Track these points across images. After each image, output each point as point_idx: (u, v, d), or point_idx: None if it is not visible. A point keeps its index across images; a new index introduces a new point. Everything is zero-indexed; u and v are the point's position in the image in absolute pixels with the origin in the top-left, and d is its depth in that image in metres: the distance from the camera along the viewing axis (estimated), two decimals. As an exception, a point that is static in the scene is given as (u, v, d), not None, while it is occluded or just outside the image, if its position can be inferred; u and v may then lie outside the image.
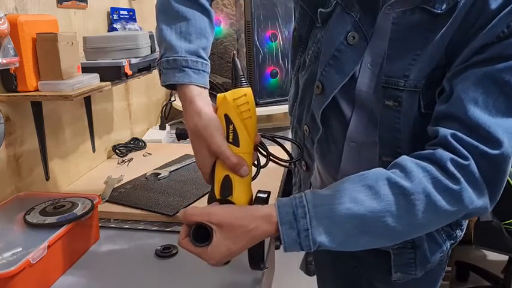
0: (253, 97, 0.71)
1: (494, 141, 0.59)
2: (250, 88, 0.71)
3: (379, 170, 0.62)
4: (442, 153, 0.60)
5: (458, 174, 0.59)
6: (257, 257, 0.70)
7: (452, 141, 0.60)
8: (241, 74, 0.70)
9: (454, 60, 0.64)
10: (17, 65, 0.94)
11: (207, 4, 0.77)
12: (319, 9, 0.77)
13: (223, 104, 0.70)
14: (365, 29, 0.72)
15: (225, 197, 0.69)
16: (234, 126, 0.69)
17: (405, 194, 0.59)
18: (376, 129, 0.74)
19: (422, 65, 0.66)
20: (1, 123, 0.99)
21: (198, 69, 0.73)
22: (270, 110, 1.74)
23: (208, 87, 0.75)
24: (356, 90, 0.75)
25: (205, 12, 0.77)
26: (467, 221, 0.90)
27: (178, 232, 0.98)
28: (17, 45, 0.95)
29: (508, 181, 1.78)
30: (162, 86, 0.74)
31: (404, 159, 0.62)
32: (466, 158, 0.59)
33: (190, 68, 0.72)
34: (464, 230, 0.89)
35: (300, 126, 0.91)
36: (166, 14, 0.75)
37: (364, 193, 0.60)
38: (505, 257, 2.10)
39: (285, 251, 0.63)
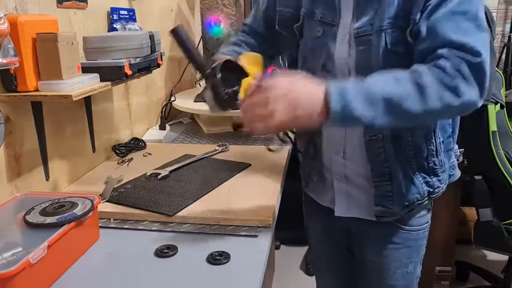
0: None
1: (475, 52, 0.79)
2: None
3: (401, 71, 0.81)
4: (441, 62, 0.80)
5: (455, 74, 0.79)
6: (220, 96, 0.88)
7: (447, 54, 0.80)
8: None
9: (411, 7, 0.85)
10: (17, 65, 0.94)
11: (242, 44, 1.13)
12: (294, 26, 1.04)
13: None
14: (330, 20, 0.97)
15: None
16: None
17: (420, 85, 0.78)
18: None
19: (383, 14, 0.88)
20: (1, 123, 0.99)
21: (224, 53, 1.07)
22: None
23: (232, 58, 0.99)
24: (336, 60, 0.96)
25: (239, 46, 1.12)
26: (445, 173, 1.04)
27: (178, 232, 0.99)
28: (17, 45, 0.95)
29: (508, 181, 1.78)
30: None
31: (420, 66, 0.81)
32: (459, 63, 0.79)
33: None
34: (444, 186, 1.04)
35: None
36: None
37: (391, 82, 0.79)
38: (505, 257, 2.10)
39: (330, 118, 0.77)
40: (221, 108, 0.90)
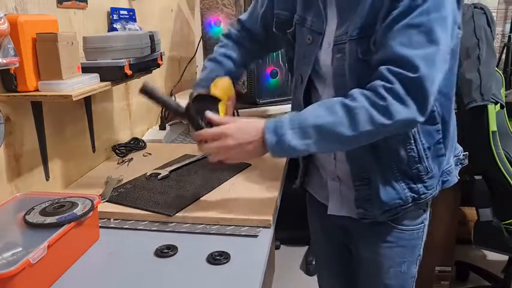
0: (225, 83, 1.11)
1: (412, 67, 0.81)
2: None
3: (337, 98, 0.87)
4: (376, 82, 0.83)
5: (385, 95, 0.82)
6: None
7: (384, 72, 0.83)
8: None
9: (377, 16, 0.86)
10: (17, 65, 0.94)
11: (221, 58, 1.18)
12: (287, 31, 1.07)
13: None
14: (318, 28, 0.99)
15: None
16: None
17: (350, 110, 0.83)
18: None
19: (355, 23, 0.90)
20: (1, 123, 0.99)
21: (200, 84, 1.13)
22: (270, 110, 1.74)
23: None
24: (322, 67, 1.00)
25: (218, 63, 1.17)
26: (435, 179, 1.00)
27: (178, 232, 1.00)
28: (17, 45, 0.95)
29: (508, 181, 1.78)
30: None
31: (354, 90, 0.86)
32: (392, 82, 0.82)
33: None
34: (433, 192, 1.01)
35: None
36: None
37: (324, 111, 0.86)
38: (505, 257, 2.10)
39: (269, 150, 0.88)
40: None
